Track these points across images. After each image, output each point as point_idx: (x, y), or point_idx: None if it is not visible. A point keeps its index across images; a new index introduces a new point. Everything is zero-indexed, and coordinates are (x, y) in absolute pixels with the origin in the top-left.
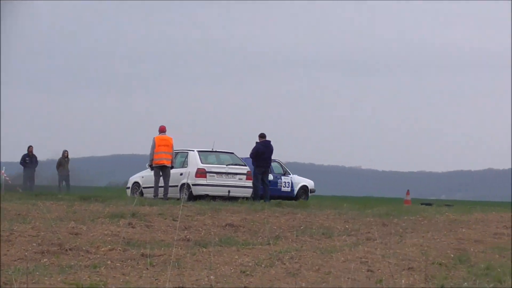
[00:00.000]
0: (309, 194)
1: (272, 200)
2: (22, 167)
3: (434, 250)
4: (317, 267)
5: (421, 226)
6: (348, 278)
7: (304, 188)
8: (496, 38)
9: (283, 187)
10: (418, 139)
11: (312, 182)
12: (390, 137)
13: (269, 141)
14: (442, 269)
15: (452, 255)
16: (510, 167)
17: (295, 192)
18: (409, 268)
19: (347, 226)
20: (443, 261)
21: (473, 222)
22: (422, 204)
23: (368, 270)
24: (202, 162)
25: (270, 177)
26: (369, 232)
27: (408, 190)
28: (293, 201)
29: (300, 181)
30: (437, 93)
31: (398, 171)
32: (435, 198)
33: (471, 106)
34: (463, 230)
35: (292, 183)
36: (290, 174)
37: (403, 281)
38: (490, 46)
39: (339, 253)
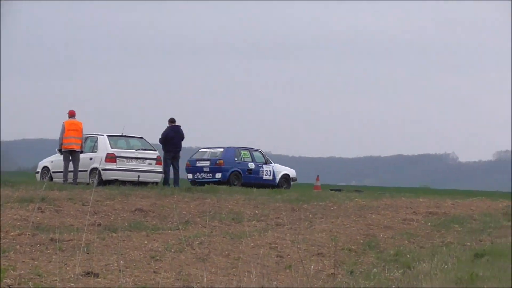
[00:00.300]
0: (291, 183)
1: (182, 185)
2: None
3: (344, 236)
4: (226, 252)
5: (331, 212)
6: (257, 264)
7: (285, 176)
8: (395, 22)
9: (265, 175)
10: (327, 124)
11: (294, 171)
12: (299, 122)
13: (179, 126)
14: (351, 255)
15: (361, 241)
16: None
17: (277, 180)
18: (318, 254)
19: (256, 212)
20: (352, 246)
21: (383, 208)
22: (331, 189)
23: (277, 256)
24: (111, 147)
25: (252, 165)
26: (278, 218)
27: (318, 176)
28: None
29: (281, 169)
30: (345, 78)
31: (307, 157)
32: (345, 184)
33: (379, 92)
34: (373, 215)
35: (274, 171)
36: (271, 163)
37: (312, 266)
38: (392, 31)
39: (248, 239)
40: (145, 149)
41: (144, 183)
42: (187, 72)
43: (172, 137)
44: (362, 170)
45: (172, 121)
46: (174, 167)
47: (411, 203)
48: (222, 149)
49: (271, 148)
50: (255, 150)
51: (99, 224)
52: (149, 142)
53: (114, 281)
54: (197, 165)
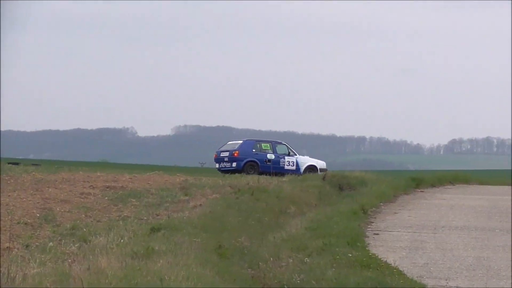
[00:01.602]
0: (319, 173)
1: None
2: None
3: (20, 210)
4: None
5: (7, 186)
6: None
7: (311, 167)
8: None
9: (287, 165)
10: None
11: (323, 162)
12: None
13: None
14: (27, 229)
15: (37, 215)
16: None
17: (302, 170)
18: None
19: None
20: (28, 220)
21: (60, 181)
22: (9, 163)
23: None
24: None
25: (271, 156)
26: None
27: None
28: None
29: (307, 161)
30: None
31: None
32: (23, 158)
33: (71, 61)
34: (50, 189)
35: (297, 162)
36: (296, 155)
37: None
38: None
39: None
40: None
41: None
42: None
43: None
44: (41, 144)
45: None
46: None
47: (88, 177)
48: (241, 142)
49: None
50: (280, 143)
51: None
52: None
53: None
54: (221, 155)
